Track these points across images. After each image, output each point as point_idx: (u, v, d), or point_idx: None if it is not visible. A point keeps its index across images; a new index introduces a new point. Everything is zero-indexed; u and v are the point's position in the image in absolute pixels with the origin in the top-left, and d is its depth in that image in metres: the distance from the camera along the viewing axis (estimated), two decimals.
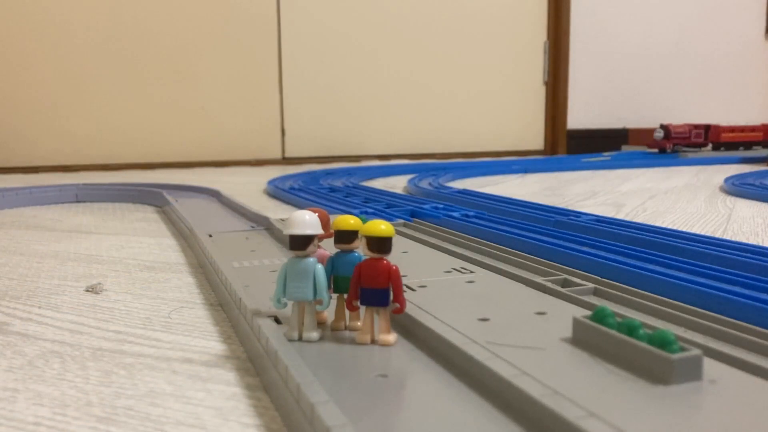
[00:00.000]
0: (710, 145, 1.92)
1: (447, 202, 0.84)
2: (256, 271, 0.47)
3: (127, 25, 1.82)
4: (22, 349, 0.35)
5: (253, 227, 0.68)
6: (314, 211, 0.32)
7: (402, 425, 0.23)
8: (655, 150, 1.86)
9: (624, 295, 0.37)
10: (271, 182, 1.17)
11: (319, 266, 0.31)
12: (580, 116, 2.31)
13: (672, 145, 1.83)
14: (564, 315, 0.33)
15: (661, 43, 2.39)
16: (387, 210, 0.78)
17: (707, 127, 1.90)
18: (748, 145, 1.95)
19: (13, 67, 1.74)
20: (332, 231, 0.32)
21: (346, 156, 2.02)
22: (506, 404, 0.24)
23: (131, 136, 1.85)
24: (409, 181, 1.20)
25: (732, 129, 1.92)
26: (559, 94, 2.27)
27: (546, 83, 2.29)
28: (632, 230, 0.58)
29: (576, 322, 0.29)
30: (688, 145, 1.86)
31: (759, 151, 1.87)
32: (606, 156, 1.84)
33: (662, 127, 1.83)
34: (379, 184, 1.26)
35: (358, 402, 0.25)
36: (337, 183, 1.20)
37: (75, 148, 1.81)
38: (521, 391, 0.23)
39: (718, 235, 0.66)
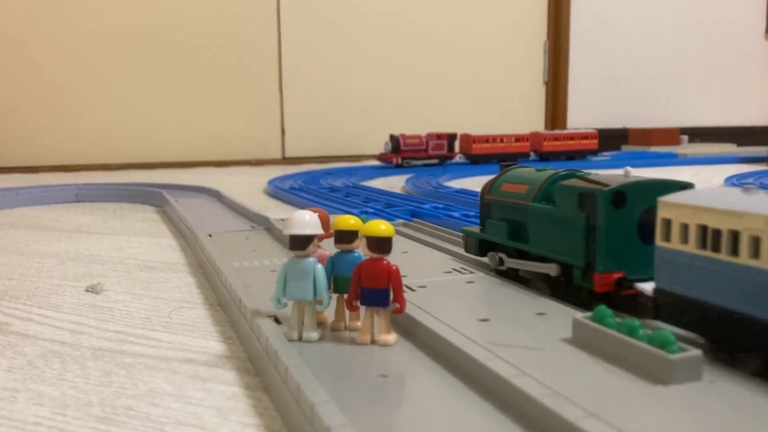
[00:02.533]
0: (459, 157, 1.67)
1: (447, 202, 0.84)
2: (256, 271, 0.47)
3: (127, 25, 1.82)
4: (22, 349, 0.35)
5: (253, 227, 0.68)
6: (314, 211, 0.32)
7: (402, 425, 0.23)
8: (387, 164, 1.56)
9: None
10: (271, 182, 1.17)
11: (319, 266, 0.31)
12: (580, 116, 2.31)
13: (401, 159, 1.54)
14: (564, 315, 0.33)
15: (661, 43, 2.39)
16: (387, 210, 0.78)
17: (452, 137, 1.63)
18: (508, 158, 1.51)
19: (14, 68, 1.74)
20: (332, 231, 0.32)
21: (346, 156, 2.02)
22: (506, 404, 0.24)
23: (131, 136, 1.85)
24: (408, 180, 1.20)
25: (487, 139, 1.65)
26: (559, 94, 2.27)
27: (546, 83, 2.29)
28: None
29: (576, 322, 0.30)
30: (425, 158, 1.57)
31: (759, 151, 1.87)
32: (606, 156, 1.84)
33: (392, 138, 1.55)
34: (379, 184, 1.26)
35: (358, 402, 0.25)
36: (337, 183, 1.20)
37: (75, 148, 1.81)
38: (521, 391, 0.23)
39: None
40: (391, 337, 0.31)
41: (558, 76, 2.26)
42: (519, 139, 1.68)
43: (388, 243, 0.31)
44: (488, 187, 0.44)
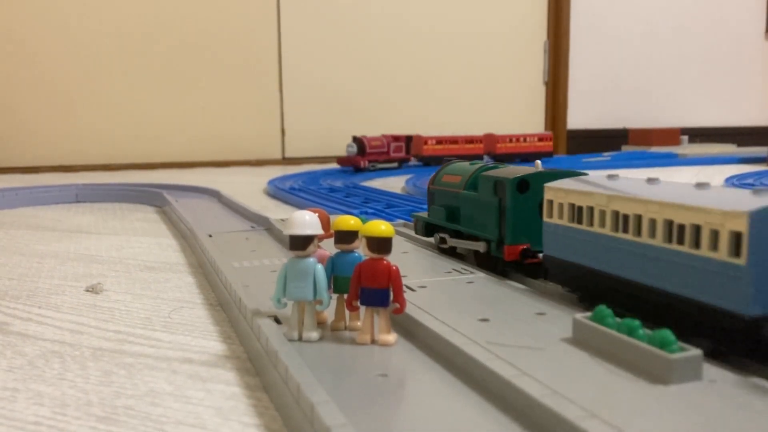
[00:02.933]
0: (413, 159, 1.61)
1: None
2: (256, 271, 0.47)
3: (127, 25, 1.82)
4: (22, 349, 0.35)
5: (253, 227, 0.68)
6: (314, 211, 0.32)
7: (402, 425, 0.23)
8: (349, 168, 1.47)
9: None
10: (271, 182, 1.17)
11: (319, 266, 0.31)
12: (580, 116, 2.31)
13: (367, 162, 1.46)
14: (564, 315, 0.33)
15: (661, 43, 2.39)
16: (387, 210, 0.78)
17: (409, 138, 1.58)
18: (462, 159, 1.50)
19: (14, 68, 1.74)
20: (332, 231, 0.32)
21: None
22: (506, 404, 0.24)
23: (131, 136, 1.85)
24: (409, 181, 1.20)
25: (440, 140, 1.60)
26: (559, 94, 2.27)
27: (546, 83, 2.29)
28: None
29: (576, 322, 0.30)
30: (386, 161, 1.52)
31: (759, 152, 1.87)
32: (606, 156, 1.84)
33: (355, 140, 1.46)
34: (379, 184, 1.26)
35: (358, 402, 0.25)
36: (337, 183, 1.20)
37: (75, 148, 1.81)
38: (521, 391, 0.23)
39: None
40: (391, 337, 0.31)
41: (558, 76, 2.26)
42: (472, 140, 1.65)
43: (388, 243, 0.31)
44: (433, 179, 0.52)
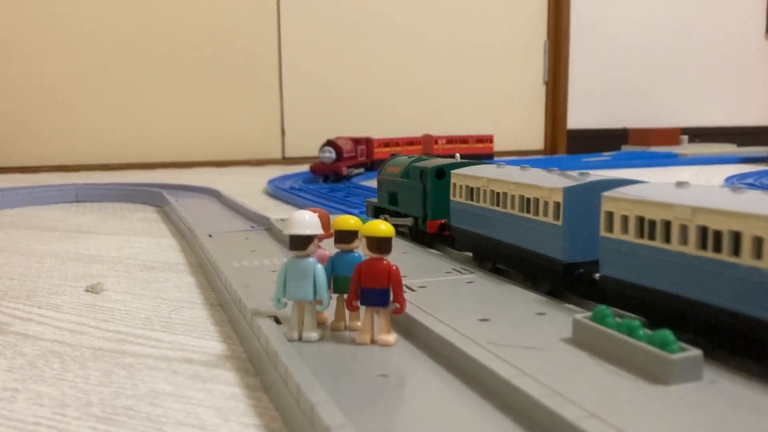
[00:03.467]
0: (370, 163, 1.45)
1: None
2: (256, 271, 0.47)
3: (126, 25, 1.82)
4: (22, 349, 0.35)
5: (253, 227, 0.68)
6: (314, 211, 0.32)
7: (402, 425, 0.23)
8: (322, 177, 1.25)
9: None
10: (271, 182, 1.17)
11: (319, 266, 0.31)
12: (580, 116, 2.31)
13: (347, 168, 1.26)
14: (564, 315, 0.33)
15: (661, 43, 2.39)
16: None
17: (367, 141, 1.43)
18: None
19: (14, 67, 1.74)
20: (332, 231, 0.32)
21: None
22: (506, 404, 0.24)
23: (131, 136, 1.85)
24: None
25: (387, 143, 1.49)
26: (559, 94, 2.27)
27: (546, 83, 2.29)
28: None
29: (576, 322, 0.30)
30: (355, 165, 1.34)
31: (760, 151, 1.87)
32: (606, 156, 1.84)
33: (330, 144, 1.24)
34: None
35: (358, 402, 0.25)
36: (337, 183, 1.20)
37: (75, 148, 1.81)
38: (521, 391, 0.23)
39: None
40: (391, 337, 0.31)
41: (558, 76, 2.26)
42: (412, 142, 1.59)
43: (388, 243, 0.31)
44: (380, 170, 0.62)
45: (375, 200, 0.63)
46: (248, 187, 1.23)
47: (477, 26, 2.17)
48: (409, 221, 0.55)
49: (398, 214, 0.58)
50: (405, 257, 0.50)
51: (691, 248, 0.28)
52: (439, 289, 0.40)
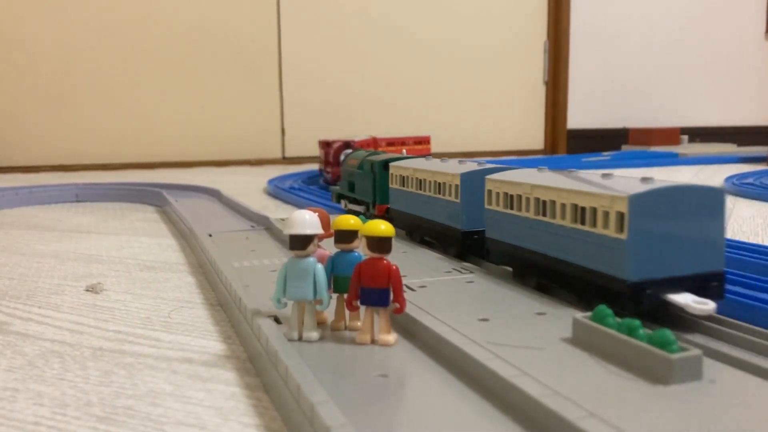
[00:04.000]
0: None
1: None
2: (256, 271, 0.47)
3: (127, 25, 1.82)
4: (22, 349, 0.35)
5: (253, 227, 0.68)
6: (314, 211, 0.32)
7: (402, 425, 0.23)
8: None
9: None
10: (271, 182, 1.17)
11: (319, 266, 0.31)
12: (580, 116, 2.31)
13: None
14: (564, 315, 0.33)
15: (661, 43, 2.39)
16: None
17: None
18: None
19: (14, 67, 1.74)
20: (332, 231, 0.32)
21: None
22: (506, 404, 0.24)
23: (131, 136, 1.85)
24: None
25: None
26: (559, 94, 2.27)
27: (546, 83, 2.29)
28: None
29: (576, 322, 0.29)
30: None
31: (759, 151, 1.87)
32: (606, 156, 1.84)
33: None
34: None
35: (358, 402, 0.25)
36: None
37: (75, 148, 1.81)
38: (521, 391, 0.23)
39: None
40: (391, 337, 0.31)
41: (558, 76, 2.26)
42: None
43: (388, 243, 0.31)
44: (343, 162, 0.74)
45: (338, 188, 0.75)
46: (248, 187, 1.23)
47: (477, 26, 2.17)
48: (360, 207, 0.67)
49: (355, 200, 0.68)
50: (405, 257, 0.50)
51: (531, 214, 0.39)
52: (439, 289, 0.40)
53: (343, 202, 0.72)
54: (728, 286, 0.38)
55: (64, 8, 1.76)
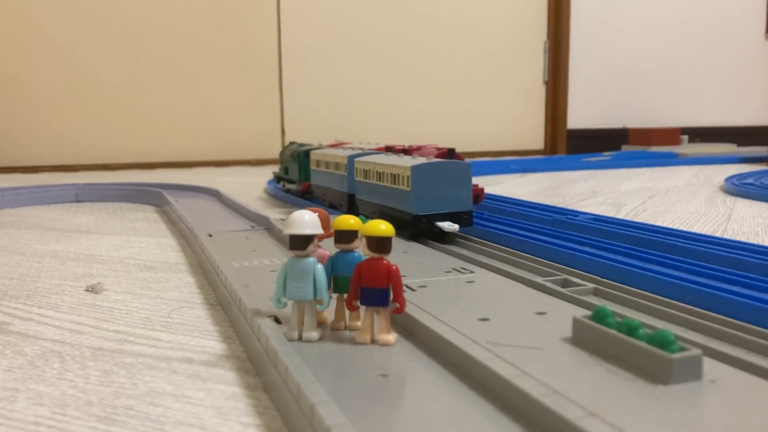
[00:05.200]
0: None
1: None
2: (256, 271, 0.47)
3: (126, 25, 1.82)
4: (22, 349, 0.35)
5: (253, 227, 0.68)
6: (314, 211, 0.32)
7: (402, 425, 0.23)
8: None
9: (623, 295, 0.37)
10: (270, 182, 1.17)
11: (319, 266, 0.31)
12: (580, 116, 2.31)
13: None
14: (564, 315, 0.33)
15: (661, 43, 2.39)
16: None
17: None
18: None
19: (14, 67, 1.74)
20: (332, 231, 0.32)
21: None
22: (506, 404, 0.24)
23: (131, 136, 1.85)
24: None
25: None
26: (559, 94, 2.27)
27: (546, 83, 2.29)
28: (631, 229, 0.58)
29: (576, 322, 0.29)
30: None
31: (760, 151, 1.87)
32: (606, 156, 1.84)
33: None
34: None
35: (358, 402, 0.25)
36: None
37: (75, 148, 1.81)
38: (521, 391, 0.23)
39: (718, 234, 0.66)
40: (391, 337, 0.31)
41: (558, 75, 2.26)
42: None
43: (388, 243, 0.31)
44: (281, 152, 1.00)
45: (278, 171, 1.03)
46: (248, 187, 1.23)
47: (477, 27, 2.17)
48: (294, 185, 0.93)
49: (290, 180, 0.95)
50: (405, 257, 0.50)
51: (375, 180, 0.62)
52: (439, 288, 0.40)
53: (282, 183, 0.98)
54: (729, 286, 0.38)
55: (64, 8, 1.76)
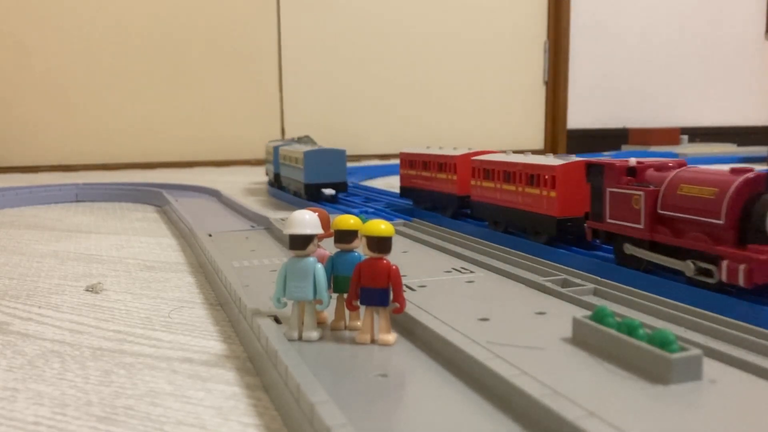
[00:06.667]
0: None
1: None
2: (256, 270, 0.47)
3: (127, 25, 1.82)
4: (22, 349, 0.35)
5: (253, 227, 0.68)
6: (314, 211, 0.32)
7: (402, 425, 0.23)
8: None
9: (624, 295, 0.37)
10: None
11: (319, 266, 0.31)
12: (580, 116, 2.31)
13: None
14: (564, 315, 0.33)
15: (661, 43, 2.39)
16: (387, 210, 0.78)
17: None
18: None
19: (14, 67, 1.74)
20: (332, 230, 0.32)
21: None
22: (506, 404, 0.24)
23: (131, 136, 1.85)
24: None
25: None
26: (559, 94, 2.27)
27: (546, 83, 2.29)
28: None
29: (576, 322, 0.29)
30: None
31: (759, 151, 1.87)
32: (606, 156, 1.84)
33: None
34: (379, 184, 1.26)
35: (358, 402, 0.25)
36: None
37: (75, 148, 1.81)
38: (521, 391, 0.23)
39: None
40: (391, 337, 0.31)
41: (558, 76, 2.26)
42: None
43: (388, 243, 0.31)
44: (273, 150, 1.09)
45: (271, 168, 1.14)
46: (248, 187, 1.23)
47: (477, 26, 2.17)
48: (274, 177, 1.08)
49: (280, 174, 1.07)
50: (405, 257, 0.50)
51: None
52: (439, 288, 0.40)
53: (275, 176, 1.08)
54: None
55: (63, 8, 1.76)
